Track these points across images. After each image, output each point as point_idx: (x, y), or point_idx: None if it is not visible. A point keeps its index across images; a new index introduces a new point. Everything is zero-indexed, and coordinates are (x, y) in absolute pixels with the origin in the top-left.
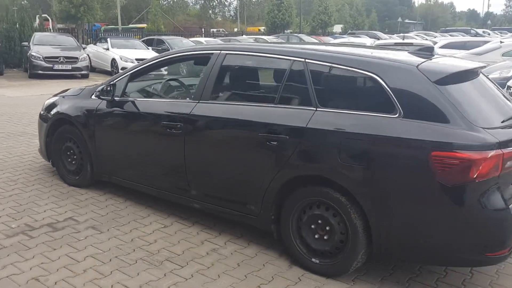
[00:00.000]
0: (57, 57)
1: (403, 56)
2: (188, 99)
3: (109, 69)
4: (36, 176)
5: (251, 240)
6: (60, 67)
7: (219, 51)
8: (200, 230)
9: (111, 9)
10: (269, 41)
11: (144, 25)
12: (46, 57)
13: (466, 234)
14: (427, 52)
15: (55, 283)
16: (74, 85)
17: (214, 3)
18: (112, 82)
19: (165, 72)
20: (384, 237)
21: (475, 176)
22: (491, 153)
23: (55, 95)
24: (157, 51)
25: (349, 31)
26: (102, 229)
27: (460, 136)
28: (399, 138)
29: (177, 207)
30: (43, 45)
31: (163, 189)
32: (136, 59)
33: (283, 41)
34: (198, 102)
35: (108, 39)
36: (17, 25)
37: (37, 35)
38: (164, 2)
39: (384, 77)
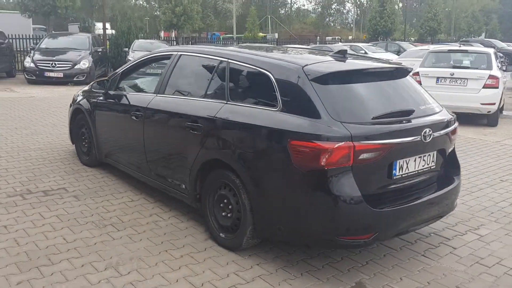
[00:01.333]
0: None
1: (306, 57)
2: (151, 93)
3: None
4: (62, 156)
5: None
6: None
7: (176, 53)
8: (154, 206)
9: (228, 19)
10: (363, 49)
11: (261, 34)
12: None
13: (319, 216)
14: (340, 55)
15: (16, 230)
16: None
17: (332, 11)
18: (106, 78)
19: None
20: (262, 217)
21: (323, 164)
22: (339, 144)
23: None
24: None
25: (462, 39)
26: (80, 198)
27: (314, 128)
28: (271, 128)
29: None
30: (141, 51)
31: (136, 170)
32: None
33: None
34: (156, 96)
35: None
36: (125, 34)
37: (136, 42)
38: (282, 11)
39: (275, 75)
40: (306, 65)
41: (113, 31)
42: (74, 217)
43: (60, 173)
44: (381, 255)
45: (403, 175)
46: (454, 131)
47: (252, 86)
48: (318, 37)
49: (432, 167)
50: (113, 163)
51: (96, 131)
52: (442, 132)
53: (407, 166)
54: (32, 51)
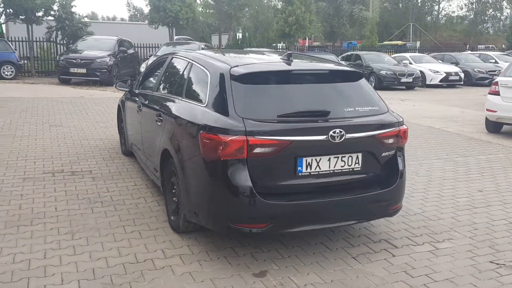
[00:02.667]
0: None
1: (248, 59)
2: (151, 91)
3: None
4: (112, 146)
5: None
6: None
7: (171, 56)
8: (147, 191)
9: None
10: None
11: (399, 42)
12: None
13: (217, 203)
14: (286, 57)
15: (27, 198)
16: None
17: (486, 17)
18: (130, 78)
19: None
20: (186, 202)
21: (220, 155)
22: (233, 137)
23: None
24: (353, 66)
25: None
26: (96, 180)
27: (218, 122)
28: (192, 122)
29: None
30: None
31: (140, 158)
32: None
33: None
34: (152, 93)
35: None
36: (238, 42)
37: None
38: (428, 18)
39: (211, 74)
40: (237, 66)
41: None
42: (78, 193)
43: (97, 159)
44: (311, 252)
45: (311, 173)
46: (387, 135)
47: (199, 84)
48: (468, 45)
49: (355, 169)
50: (134, 153)
51: (125, 124)
52: (361, 134)
53: (317, 165)
54: None
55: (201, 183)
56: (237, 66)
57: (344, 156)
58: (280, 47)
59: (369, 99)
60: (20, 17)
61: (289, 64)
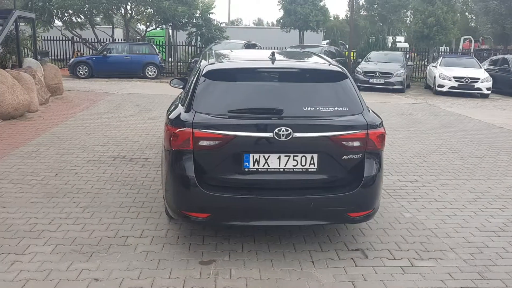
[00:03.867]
0: (373, 72)
1: (236, 57)
2: None
3: (431, 85)
4: None
5: None
6: (374, 81)
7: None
8: None
9: None
10: None
11: None
12: (364, 72)
13: (170, 191)
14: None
15: (76, 174)
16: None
17: None
18: (185, 77)
19: None
20: (163, 189)
21: (172, 145)
22: (180, 129)
23: None
24: (497, 70)
25: None
26: (144, 167)
27: (175, 115)
28: (167, 115)
29: None
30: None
31: None
32: (455, 77)
33: None
34: None
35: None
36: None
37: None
38: None
39: (196, 73)
40: (213, 63)
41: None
42: (119, 176)
43: (160, 150)
44: (273, 250)
45: (259, 169)
46: (347, 137)
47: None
48: None
49: (310, 170)
50: None
51: None
52: (314, 134)
53: (266, 162)
54: None
55: (163, 171)
56: (213, 64)
57: (297, 156)
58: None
59: (341, 99)
60: (168, 24)
61: (272, 63)
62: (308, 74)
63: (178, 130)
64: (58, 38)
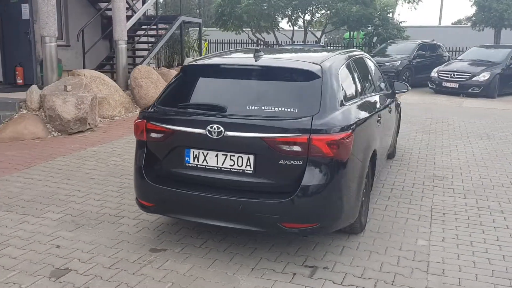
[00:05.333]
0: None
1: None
2: None
3: None
4: None
5: None
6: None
7: None
8: None
9: None
10: None
11: None
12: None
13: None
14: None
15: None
16: None
17: None
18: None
19: None
20: None
21: (135, 136)
22: (138, 121)
23: None
24: None
25: None
26: None
27: (147, 109)
28: None
29: None
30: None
31: None
32: None
33: None
34: None
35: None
36: None
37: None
38: None
39: None
40: (196, 60)
41: None
42: None
43: None
44: (224, 250)
45: (198, 165)
46: (283, 140)
47: None
48: None
49: (246, 171)
50: None
51: None
52: (245, 134)
53: (204, 158)
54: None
55: None
56: (196, 61)
57: (234, 155)
58: None
59: (298, 100)
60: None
61: (250, 60)
62: (274, 73)
63: (137, 121)
64: (242, 41)
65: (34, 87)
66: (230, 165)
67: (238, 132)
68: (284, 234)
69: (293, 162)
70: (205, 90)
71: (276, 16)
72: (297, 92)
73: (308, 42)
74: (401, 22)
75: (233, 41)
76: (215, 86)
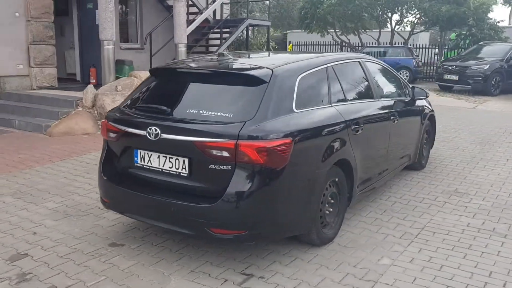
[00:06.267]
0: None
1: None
2: None
3: None
4: None
5: None
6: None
7: None
8: None
9: None
10: None
11: None
12: None
13: None
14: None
15: None
16: None
17: None
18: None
19: None
20: None
21: (102, 135)
22: (103, 121)
23: None
24: None
25: None
26: None
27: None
28: None
29: None
30: None
31: None
32: None
33: None
34: None
35: None
36: None
37: None
38: None
39: None
40: (169, 64)
41: None
42: None
43: None
44: (174, 250)
45: (144, 166)
46: (210, 144)
47: None
48: None
49: (182, 174)
50: None
51: None
52: (177, 137)
53: (149, 159)
54: None
55: None
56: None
57: (172, 158)
58: None
59: (237, 105)
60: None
61: (211, 64)
62: (223, 78)
63: (101, 121)
64: (326, 43)
65: (90, 87)
66: (169, 167)
67: (172, 135)
68: (217, 241)
69: (222, 168)
70: (157, 93)
71: (364, 17)
72: (239, 97)
73: (395, 44)
74: (498, 22)
75: (317, 43)
76: (167, 89)
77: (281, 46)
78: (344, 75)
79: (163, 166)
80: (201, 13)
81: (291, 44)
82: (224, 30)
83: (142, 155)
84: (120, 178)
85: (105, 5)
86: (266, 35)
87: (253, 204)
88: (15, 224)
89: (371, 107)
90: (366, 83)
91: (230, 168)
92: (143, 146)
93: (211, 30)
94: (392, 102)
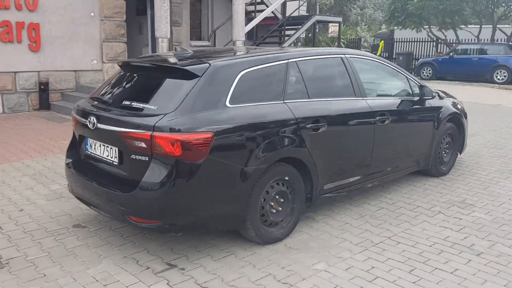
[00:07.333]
0: None
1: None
2: None
3: None
4: None
5: None
6: None
7: None
8: None
9: None
10: None
11: None
12: None
13: None
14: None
15: None
16: None
17: None
18: None
19: None
20: None
21: None
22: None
23: None
24: None
25: None
26: None
27: None
28: None
29: None
30: None
31: None
32: None
33: None
34: None
35: None
36: None
37: None
38: None
39: None
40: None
41: None
42: None
43: None
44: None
45: (91, 154)
46: (129, 135)
47: None
48: None
49: (114, 163)
50: None
51: None
52: (108, 127)
53: (94, 148)
54: None
55: None
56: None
57: (108, 147)
58: None
59: (165, 98)
60: None
61: (161, 58)
62: (164, 71)
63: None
64: (420, 39)
65: None
66: (106, 156)
67: (104, 125)
68: (141, 229)
69: (141, 158)
70: (112, 85)
71: (464, 11)
72: (170, 90)
73: (497, 41)
74: None
75: (412, 40)
76: (120, 81)
77: (388, 44)
78: (313, 71)
79: (103, 154)
80: (271, 11)
81: (382, 41)
82: (294, 27)
83: (91, 144)
84: (77, 164)
85: (160, 4)
86: (338, 31)
87: (167, 195)
88: (12, 201)
89: (346, 106)
90: (346, 80)
91: (147, 159)
92: (88, 135)
93: (274, 28)
94: (384, 102)
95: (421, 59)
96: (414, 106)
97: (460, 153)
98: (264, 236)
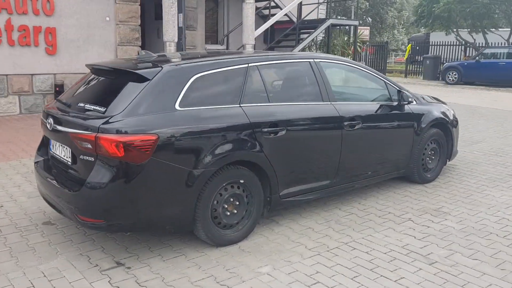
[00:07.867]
0: None
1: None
2: None
3: None
4: None
5: None
6: None
7: None
8: None
9: None
10: None
11: None
12: None
13: None
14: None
15: None
16: None
17: None
18: None
19: None
20: None
21: None
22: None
23: None
24: None
25: None
26: None
27: None
28: None
29: None
30: None
31: None
32: None
33: None
34: None
35: None
36: None
37: None
38: None
39: None
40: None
41: None
42: None
43: None
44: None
45: (54, 154)
46: (75, 135)
47: None
48: None
49: (68, 162)
50: None
51: None
52: (60, 128)
53: (55, 148)
54: None
55: None
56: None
57: (64, 147)
58: None
59: (117, 100)
60: None
61: (124, 62)
62: (119, 74)
63: None
64: (448, 43)
65: None
66: (63, 155)
67: (58, 126)
68: (88, 228)
69: (88, 159)
70: (77, 87)
71: (494, 14)
72: (121, 93)
73: None
74: None
75: (441, 43)
76: (83, 84)
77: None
78: (277, 75)
79: (61, 154)
80: (285, 14)
81: (410, 45)
82: (309, 30)
83: (53, 144)
84: (43, 164)
85: (168, 9)
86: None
87: (109, 195)
88: (5, 190)
89: (309, 110)
90: (313, 84)
91: (93, 160)
92: (51, 136)
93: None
94: (355, 107)
95: (446, 63)
96: (391, 112)
97: (449, 160)
98: (216, 238)
